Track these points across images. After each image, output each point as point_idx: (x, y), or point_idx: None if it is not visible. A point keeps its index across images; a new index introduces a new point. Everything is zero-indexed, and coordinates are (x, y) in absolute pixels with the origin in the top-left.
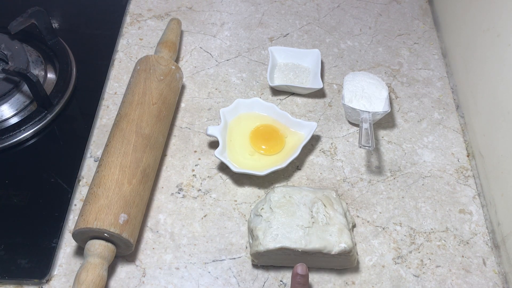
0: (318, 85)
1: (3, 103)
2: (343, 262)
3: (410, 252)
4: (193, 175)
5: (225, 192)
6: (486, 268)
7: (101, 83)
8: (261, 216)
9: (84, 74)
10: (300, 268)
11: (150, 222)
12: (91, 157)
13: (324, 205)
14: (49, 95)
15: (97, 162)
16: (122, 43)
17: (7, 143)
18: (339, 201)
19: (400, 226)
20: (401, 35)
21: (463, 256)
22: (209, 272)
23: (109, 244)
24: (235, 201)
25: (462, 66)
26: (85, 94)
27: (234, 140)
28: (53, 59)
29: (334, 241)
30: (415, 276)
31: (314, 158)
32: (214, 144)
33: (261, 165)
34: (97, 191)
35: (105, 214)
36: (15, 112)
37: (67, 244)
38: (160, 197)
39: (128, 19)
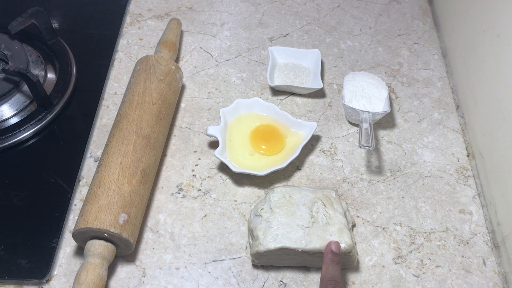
0: (318, 85)
1: (3, 103)
2: (343, 262)
3: (410, 252)
4: (193, 175)
5: (225, 192)
6: (486, 268)
7: (101, 83)
8: (261, 216)
9: (84, 74)
10: (334, 246)
11: (150, 222)
12: (91, 157)
13: (324, 205)
14: (49, 95)
15: (97, 162)
16: (122, 43)
17: (7, 143)
18: (339, 200)
19: (400, 226)
20: (401, 35)
21: (463, 256)
22: (209, 272)
23: (109, 244)
24: (235, 201)
25: (462, 66)
26: (85, 94)
27: (234, 140)
28: (53, 59)
29: None
30: (415, 276)
31: (314, 158)
32: (214, 144)
33: (261, 165)
34: (97, 191)
35: (105, 214)
36: (15, 112)
37: (67, 244)
38: (160, 197)
39: (128, 19)
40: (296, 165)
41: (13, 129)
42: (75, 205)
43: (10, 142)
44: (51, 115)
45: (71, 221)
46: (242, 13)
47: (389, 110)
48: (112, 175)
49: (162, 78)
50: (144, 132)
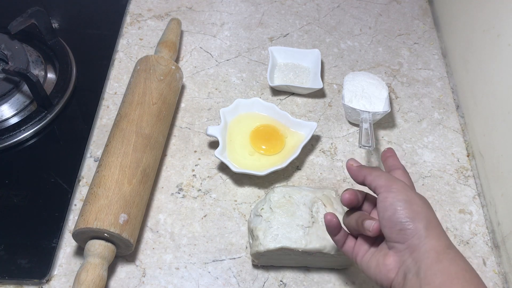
0: (318, 85)
1: (3, 103)
2: (343, 262)
3: None
4: (193, 175)
5: (225, 192)
6: (486, 268)
7: (101, 83)
8: (261, 216)
9: (84, 74)
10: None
11: (150, 222)
12: (91, 157)
13: (324, 205)
14: (49, 95)
15: (97, 162)
16: (122, 43)
17: (7, 143)
18: (339, 200)
19: None
20: (401, 35)
21: None
22: (209, 272)
23: (109, 244)
24: (235, 201)
25: (462, 66)
26: (85, 94)
27: (234, 140)
28: (53, 59)
29: None
30: None
31: (314, 158)
32: (214, 144)
33: (261, 165)
34: (97, 191)
35: (105, 214)
36: (15, 112)
37: (67, 244)
38: (160, 197)
39: (128, 19)
40: (296, 165)
41: (13, 129)
42: (75, 205)
43: (10, 142)
44: (51, 115)
45: (71, 221)
46: (242, 13)
47: (389, 110)
48: (112, 175)
49: (162, 78)
50: (144, 132)
